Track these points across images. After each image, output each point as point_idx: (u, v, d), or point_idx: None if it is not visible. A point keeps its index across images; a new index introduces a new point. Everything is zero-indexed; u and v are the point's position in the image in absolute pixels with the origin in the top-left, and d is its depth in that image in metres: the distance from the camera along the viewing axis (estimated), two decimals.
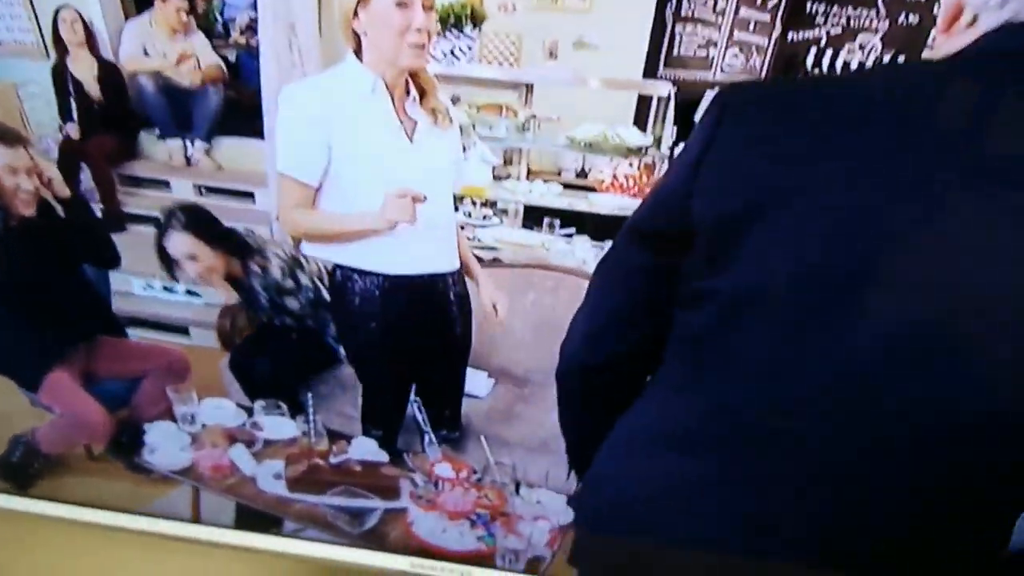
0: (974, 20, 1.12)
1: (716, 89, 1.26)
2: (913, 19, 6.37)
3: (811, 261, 1.07)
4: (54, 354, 3.40)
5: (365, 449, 2.96)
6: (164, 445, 2.92)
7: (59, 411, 3.37)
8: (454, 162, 2.83)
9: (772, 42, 6.63)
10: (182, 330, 5.12)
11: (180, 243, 3.29)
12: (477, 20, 4.76)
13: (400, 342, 2.88)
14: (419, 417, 2.93)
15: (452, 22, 4.64)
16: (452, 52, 4.76)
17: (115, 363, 3.65)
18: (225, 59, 7.27)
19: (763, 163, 1.11)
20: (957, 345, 1.03)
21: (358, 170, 2.57)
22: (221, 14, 8.15)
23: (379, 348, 2.88)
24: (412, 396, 2.99)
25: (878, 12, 6.37)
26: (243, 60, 7.32)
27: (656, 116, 5.19)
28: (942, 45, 1.19)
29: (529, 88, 5.03)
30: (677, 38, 6.49)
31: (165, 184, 6.09)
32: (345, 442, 2.97)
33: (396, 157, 2.57)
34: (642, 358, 1.44)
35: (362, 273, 2.74)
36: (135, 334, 4.77)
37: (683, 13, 6.40)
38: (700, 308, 1.23)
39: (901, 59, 5.91)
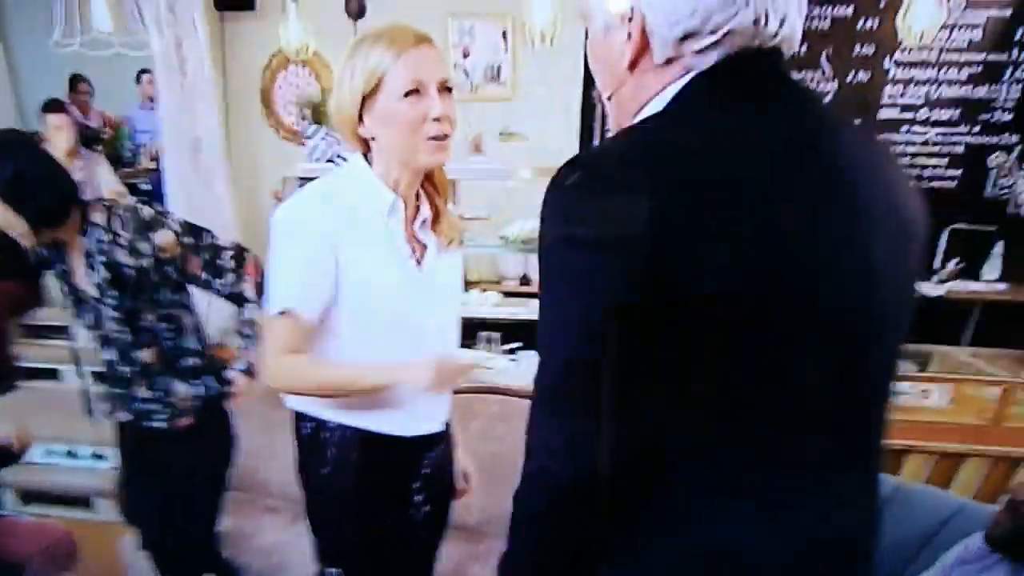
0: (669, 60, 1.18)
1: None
2: (864, 76, 6.11)
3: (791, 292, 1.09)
4: None
5: None
6: None
7: None
8: (459, 287, 2.39)
9: None
10: (83, 502, 4.47)
11: None
12: None
13: (377, 515, 2.30)
14: None
15: (316, 117, 4.19)
16: (316, 153, 4.33)
17: None
18: (134, 186, 6.91)
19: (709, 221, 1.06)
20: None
21: (358, 303, 2.06)
22: (132, 140, 7.84)
23: (352, 523, 2.30)
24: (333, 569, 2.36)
25: (823, 73, 6.12)
26: (156, 186, 6.88)
27: None
28: (633, 83, 1.24)
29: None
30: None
31: (66, 330, 5.33)
32: None
33: (403, 288, 2.08)
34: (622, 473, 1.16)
35: (340, 428, 2.19)
36: (31, 511, 4.23)
37: None
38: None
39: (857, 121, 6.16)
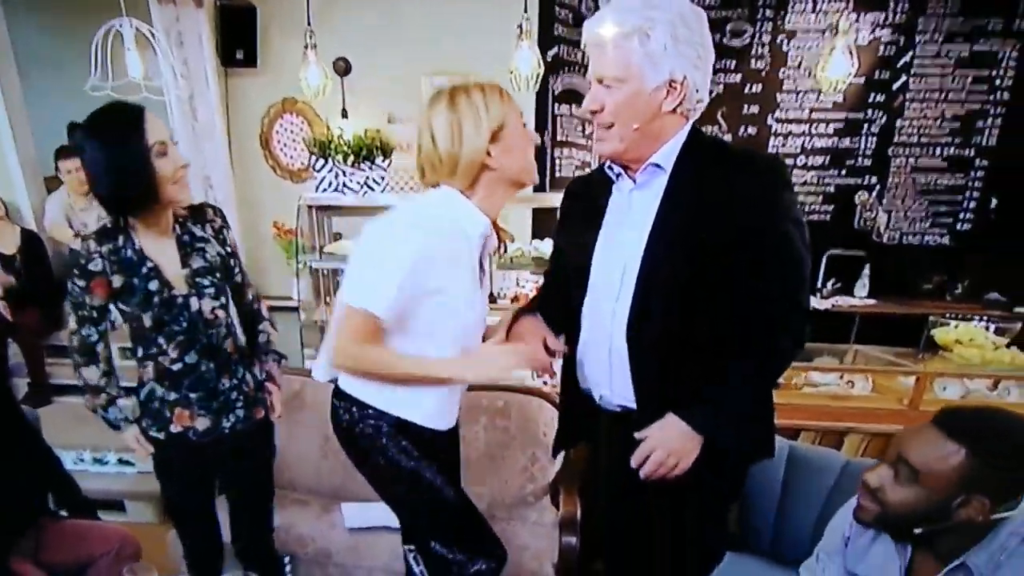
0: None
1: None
2: (752, 130, 6.18)
3: None
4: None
5: None
6: None
7: None
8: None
9: None
10: (117, 506, 4.07)
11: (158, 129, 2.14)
12: (386, 152, 4.16)
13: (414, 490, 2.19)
14: (416, 569, 2.18)
15: (364, 154, 3.99)
16: (367, 183, 4.14)
17: (61, 550, 2.64)
18: None
19: None
20: None
21: (435, 313, 2.00)
22: None
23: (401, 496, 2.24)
24: (408, 547, 2.24)
25: (720, 127, 6.14)
26: None
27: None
28: (660, 122, 1.83)
29: None
30: (556, 162, 6.21)
31: None
32: None
33: (467, 302, 2.06)
34: None
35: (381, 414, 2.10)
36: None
37: (559, 138, 6.07)
38: None
39: None
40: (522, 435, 3.22)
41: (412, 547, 2.23)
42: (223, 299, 2.34)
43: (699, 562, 2.20)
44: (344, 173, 4.00)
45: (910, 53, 5.64)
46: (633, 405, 2.00)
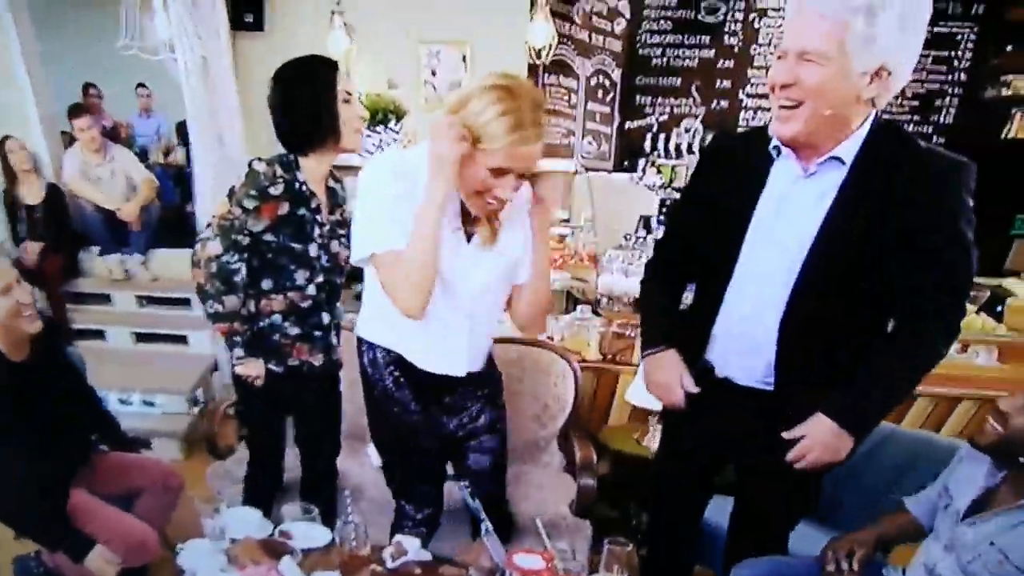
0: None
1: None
2: (724, 104, 6.36)
3: None
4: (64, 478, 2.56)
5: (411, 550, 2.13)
6: (203, 567, 1.95)
7: (102, 537, 2.38)
8: (511, 264, 2.11)
9: (614, 130, 6.47)
10: (143, 444, 4.04)
11: None
12: (399, 116, 4.33)
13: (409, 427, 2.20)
14: (472, 504, 2.15)
15: (380, 118, 4.05)
16: (380, 144, 4.30)
17: (108, 482, 2.72)
18: None
19: None
20: None
21: None
22: (134, 142, 7.39)
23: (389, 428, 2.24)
24: (463, 483, 2.18)
25: (695, 100, 6.29)
26: (159, 177, 6.39)
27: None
28: (854, 108, 1.68)
29: None
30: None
31: (106, 298, 5.25)
32: (401, 544, 2.14)
33: (451, 254, 1.95)
34: None
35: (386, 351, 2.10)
36: None
37: (547, 107, 6.03)
38: None
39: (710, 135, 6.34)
40: (533, 385, 3.32)
41: (466, 484, 2.14)
42: (349, 249, 2.43)
43: (788, 523, 2.22)
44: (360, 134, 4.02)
45: None
46: (763, 386, 1.94)
